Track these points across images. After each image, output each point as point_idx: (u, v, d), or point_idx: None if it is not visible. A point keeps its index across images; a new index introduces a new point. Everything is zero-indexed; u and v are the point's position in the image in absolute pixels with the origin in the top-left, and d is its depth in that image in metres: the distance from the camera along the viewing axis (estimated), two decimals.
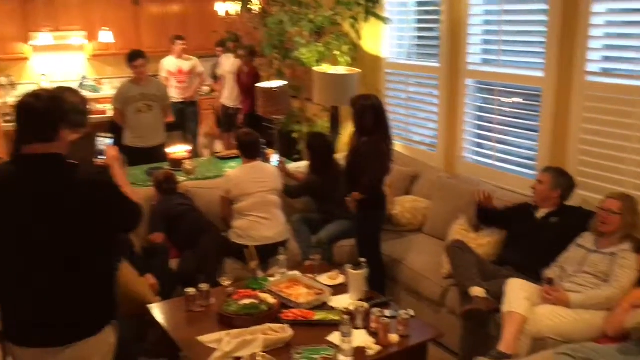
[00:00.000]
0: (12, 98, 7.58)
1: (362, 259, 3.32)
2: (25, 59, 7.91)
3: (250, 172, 4.01)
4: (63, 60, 8.12)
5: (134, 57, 5.32)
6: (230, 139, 6.98)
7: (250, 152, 4.07)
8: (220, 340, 2.79)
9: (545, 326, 2.91)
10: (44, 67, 8.01)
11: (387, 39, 5.20)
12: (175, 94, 7.12)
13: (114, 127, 5.35)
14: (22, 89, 7.91)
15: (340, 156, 4.78)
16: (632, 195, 3.19)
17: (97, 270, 2.16)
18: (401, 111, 5.15)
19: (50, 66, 8.02)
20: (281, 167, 4.47)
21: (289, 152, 5.74)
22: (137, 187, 4.39)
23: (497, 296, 3.10)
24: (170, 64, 7.12)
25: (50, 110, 2.05)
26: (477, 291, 3.15)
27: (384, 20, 5.02)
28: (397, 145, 4.77)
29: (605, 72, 3.53)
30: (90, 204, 2.05)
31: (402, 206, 4.31)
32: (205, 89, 8.03)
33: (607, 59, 3.57)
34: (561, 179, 3.47)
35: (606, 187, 3.39)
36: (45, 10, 7.69)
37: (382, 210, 3.92)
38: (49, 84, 7.86)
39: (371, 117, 3.71)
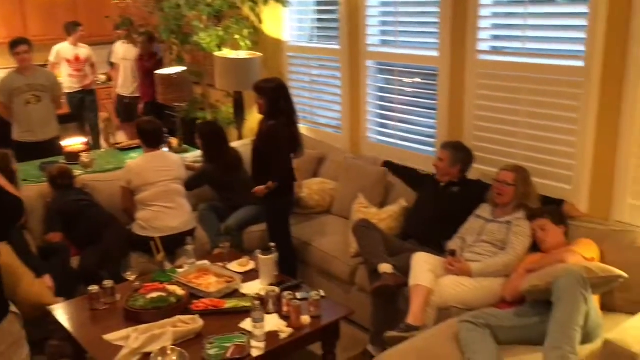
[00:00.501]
0: None
1: (272, 244, 3.32)
2: None
3: (152, 161, 3.89)
4: None
5: (16, 43, 4.99)
6: (130, 128, 6.72)
7: (151, 140, 3.93)
8: (128, 337, 2.70)
9: (449, 296, 3.03)
10: None
11: (287, 22, 5.17)
12: (71, 83, 6.77)
13: (1, 122, 5.02)
14: None
15: (247, 142, 4.75)
16: (524, 166, 3.37)
17: None
18: (305, 94, 5.16)
19: None
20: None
21: (192, 140, 5.61)
22: (30, 183, 4.14)
23: (403, 271, 3.19)
24: (66, 51, 6.75)
25: None
26: (385, 267, 3.23)
27: (283, 3, 4.99)
28: (303, 128, 4.75)
29: (495, 51, 3.70)
30: None
31: (309, 188, 4.34)
32: (102, 77, 7.68)
33: (496, 37, 3.73)
34: (459, 154, 3.62)
35: (500, 160, 3.56)
36: None
37: (291, 194, 3.92)
38: None
39: (275, 100, 3.69)
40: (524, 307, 2.71)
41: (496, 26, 3.72)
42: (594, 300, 2.61)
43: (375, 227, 3.51)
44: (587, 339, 2.50)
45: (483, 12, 3.65)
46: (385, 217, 3.77)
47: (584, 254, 2.80)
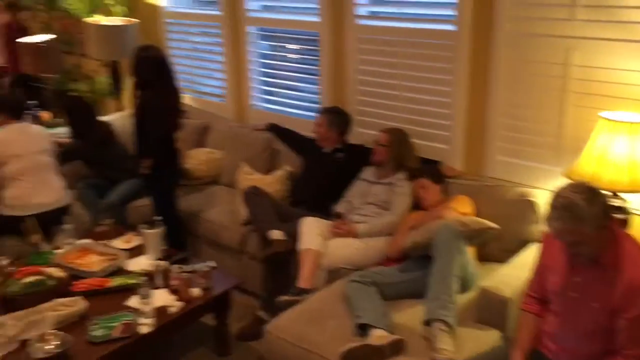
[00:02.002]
0: None
1: (157, 217, 3.20)
2: None
3: (16, 133, 3.59)
4: None
5: None
6: None
7: (13, 112, 3.62)
8: (3, 325, 2.51)
9: (337, 257, 3.09)
10: None
11: None
12: None
13: None
14: None
15: (125, 114, 4.52)
16: (405, 128, 3.47)
17: None
18: (187, 62, 4.98)
19: None
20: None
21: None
22: None
23: (294, 236, 3.21)
24: None
25: None
26: (276, 234, 3.23)
27: None
28: (186, 98, 4.62)
29: (373, 15, 3.74)
30: None
31: (195, 159, 4.22)
32: None
33: (373, 2, 3.77)
34: (335, 118, 3.68)
35: (383, 124, 3.64)
36: None
37: (175, 166, 3.78)
38: None
39: (150, 69, 3.50)
40: (407, 263, 2.82)
41: None
42: (470, 251, 2.77)
43: (265, 194, 3.50)
44: (464, 288, 2.66)
45: None
46: (271, 181, 3.77)
47: (460, 209, 2.96)
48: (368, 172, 3.49)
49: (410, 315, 2.58)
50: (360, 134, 3.80)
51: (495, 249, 2.99)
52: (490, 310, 2.52)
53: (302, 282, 3.02)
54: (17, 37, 5.17)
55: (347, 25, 3.77)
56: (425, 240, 2.69)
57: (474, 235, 2.74)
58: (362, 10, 3.73)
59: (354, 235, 3.19)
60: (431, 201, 3.15)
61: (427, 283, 2.55)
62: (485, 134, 3.30)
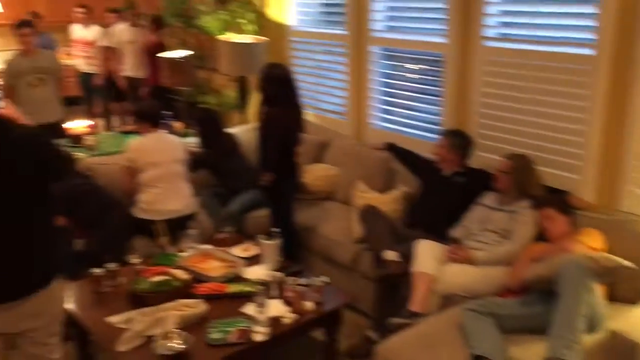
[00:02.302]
0: None
1: (275, 229, 3.29)
2: None
3: (155, 142, 3.84)
4: None
5: (20, 25, 4.94)
6: (124, 109, 6.75)
7: (151, 121, 3.88)
8: (131, 320, 2.68)
9: (452, 284, 3.01)
10: None
11: (292, 6, 5.10)
12: (80, 65, 6.74)
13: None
14: None
15: (249, 127, 4.70)
16: (528, 155, 3.32)
17: (42, 221, 2.20)
18: (310, 79, 5.11)
19: None
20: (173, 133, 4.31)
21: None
22: None
23: (408, 258, 3.16)
24: (75, 32, 6.73)
25: None
26: (390, 255, 3.20)
27: None
28: (308, 114, 4.72)
29: (503, 37, 3.64)
30: (33, 157, 2.11)
31: (313, 174, 4.30)
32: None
33: (504, 24, 3.67)
34: (457, 140, 3.59)
35: (507, 149, 3.51)
36: None
37: (295, 180, 3.88)
38: None
39: (277, 86, 3.63)
40: (528, 297, 2.68)
41: (505, 12, 3.66)
42: (599, 290, 2.58)
43: (381, 214, 3.48)
44: (590, 328, 2.48)
45: None
46: (387, 200, 3.75)
47: (589, 244, 2.77)
48: (488, 198, 3.37)
49: (529, 351, 2.44)
50: (482, 158, 3.69)
51: (627, 289, 2.76)
52: (618, 355, 2.34)
53: (415, 305, 2.96)
54: (158, 52, 5.57)
55: (474, 47, 3.69)
56: (550, 275, 2.54)
57: (604, 273, 2.55)
58: (492, 32, 3.64)
59: (471, 262, 3.08)
60: (557, 233, 2.97)
61: (550, 320, 2.41)
62: (620, 165, 3.08)
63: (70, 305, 2.88)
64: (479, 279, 3.00)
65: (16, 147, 2.09)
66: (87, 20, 6.72)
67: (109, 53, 6.76)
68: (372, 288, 3.33)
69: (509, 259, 3.04)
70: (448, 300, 2.97)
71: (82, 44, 6.76)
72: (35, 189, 2.15)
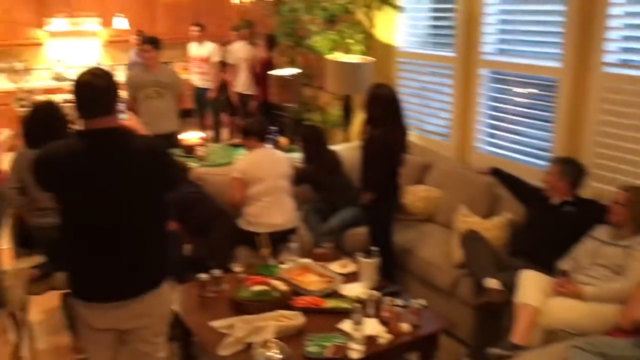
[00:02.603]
0: (26, 83, 7.58)
1: (374, 248, 3.28)
2: (40, 44, 7.89)
3: (262, 157, 3.97)
4: (78, 46, 8.10)
5: (142, 42, 5.31)
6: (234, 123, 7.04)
7: (259, 137, 4.02)
8: (233, 326, 2.77)
9: (557, 319, 2.86)
10: (59, 53, 7.99)
11: (400, 27, 5.12)
12: (195, 80, 7.14)
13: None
14: (37, 74, 7.92)
15: (352, 146, 4.75)
16: None
17: (157, 226, 2.36)
18: (414, 100, 5.08)
19: (65, 51, 8.01)
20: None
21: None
22: None
23: (510, 287, 3.05)
24: (191, 49, 7.16)
25: (110, 86, 2.22)
26: (492, 283, 3.10)
27: (398, 8, 4.95)
28: (411, 135, 4.70)
29: (624, 64, 3.45)
30: (152, 165, 2.27)
31: (414, 195, 4.26)
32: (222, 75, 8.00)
33: (625, 50, 3.48)
34: (569, 168, 3.42)
35: (624, 180, 3.32)
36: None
37: (395, 200, 3.87)
38: (63, 69, 7.86)
39: (382, 106, 3.65)
40: None
41: (626, 38, 3.47)
42: None
43: (484, 240, 3.39)
44: None
45: (612, 22, 3.42)
46: (490, 226, 3.63)
47: None
48: (601, 231, 3.18)
49: None
50: (595, 188, 3.50)
51: None
52: None
53: (516, 337, 2.84)
54: (269, 70, 5.78)
55: (592, 73, 3.52)
56: None
57: None
58: (612, 58, 3.46)
59: (580, 297, 2.91)
60: None
61: None
62: None
63: (176, 307, 3.03)
64: (588, 316, 2.83)
65: (136, 156, 2.24)
66: (202, 38, 7.10)
67: (226, 69, 7.10)
68: (471, 315, 3.24)
69: (621, 297, 2.84)
70: (552, 336, 2.82)
71: (197, 60, 7.14)
72: (152, 195, 2.29)
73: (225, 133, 7.63)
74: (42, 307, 3.85)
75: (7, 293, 3.29)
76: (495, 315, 3.07)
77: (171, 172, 2.44)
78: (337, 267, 3.48)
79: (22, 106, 6.47)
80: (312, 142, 4.37)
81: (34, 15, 7.65)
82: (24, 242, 3.60)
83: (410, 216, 4.24)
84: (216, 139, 7.19)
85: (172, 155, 2.49)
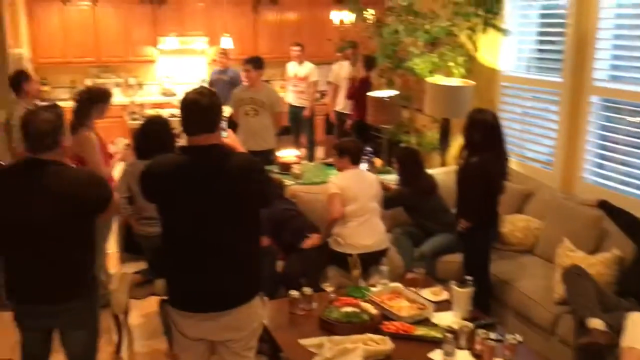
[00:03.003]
0: (138, 97, 8.08)
1: (468, 277, 3.19)
2: (152, 61, 8.40)
3: (354, 178, 3.98)
4: (185, 64, 8.53)
5: (245, 61, 5.50)
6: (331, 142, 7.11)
7: (353, 158, 4.04)
8: (322, 346, 2.77)
9: None
10: (168, 70, 8.46)
11: (505, 51, 5.00)
12: (291, 99, 7.33)
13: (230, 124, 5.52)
14: (148, 90, 8.43)
15: (448, 170, 4.66)
16: None
17: (250, 241, 2.42)
18: (516, 126, 4.93)
19: (174, 69, 8.47)
20: (372, 171, 4.40)
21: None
22: None
23: (616, 329, 2.86)
24: (289, 68, 7.36)
25: (213, 105, 2.32)
26: (596, 323, 2.92)
27: (503, 31, 4.83)
28: (511, 162, 4.55)
29: None
30: (248, 181, 2.33)
31: (513, 225, 4.11)
32: (317, 95, 8.15)
33: None
34: None
35: None
36: (173, 16, 8.15)
37: (494, 228, 3.75)
38: (172, 85, 8.31)
39: (482, 132, 3.56)
40: None
41: None
42: None
43: (589, 277, 3.20)
44: None
45: None
46: (595, 263, 3.42)
47: None
48: None
49: None
50: None
51: None
52: None
53: None
54: (367, 91, 5.83)
55: None
56: None
57: None
58: None
59: None
60: None
61: None
62: None
63: (266, 322, 3.08)
64: None
65: (233, 172, 2.31)
66: (301, 58, 7.27)
67: (329, 88, 7.23)
68: (571, 356, 3.06)
69: None
70: None
71: (295, 79, 7.33)
72: (246, 211, 2.35)
73: (320, 151, 7.74)
74: (143, 311, 4.05)
75: (112, 295, 3.49)
76: (598, 358, 2.87)
77: (266, 188, 2.50)
78: (429, 294, 3.40)
79: (134, 119, 6.92)
80: (409, 164, 4.33)
81: (149, 34, 8.18)
82: (130, 247, 3.82)
83: (508, 246, 4.09)
84: (311, 157, 7.32)
85: (267, 172, 2.55)
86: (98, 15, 7.93)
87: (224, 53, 7.37)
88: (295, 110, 7.30)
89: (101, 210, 2.56)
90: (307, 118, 7.38)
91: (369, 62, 6.23)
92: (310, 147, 7.45)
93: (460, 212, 3.66)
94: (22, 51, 6.48)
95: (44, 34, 7.78)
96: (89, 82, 7.69)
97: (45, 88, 7.92)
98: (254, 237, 2.47)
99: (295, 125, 7.36)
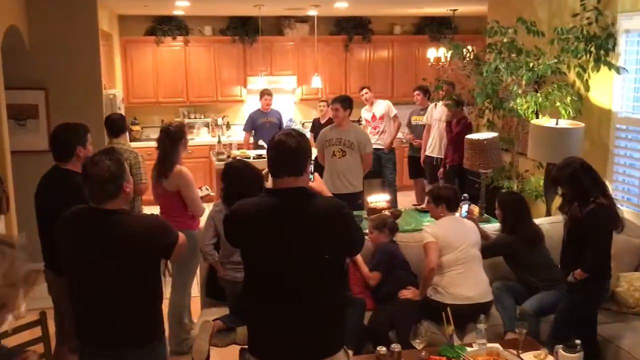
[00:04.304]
0: (226, 137, 8.44)
1: (576, 340, 3.04)
2: (241, 101, 8.79)
3: (452, 225, 3.95)
4: (274, 103, 8.84)
5: (333, 101, 5.65)
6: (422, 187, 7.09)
7: (452, 206, 4.03)
8: None
9: None
10: (255, 108, 8.79)
11: (619, 90, 4.83)
12: (372, 141, 7.42)
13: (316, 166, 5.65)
14: (235, 130, 8.79)
15: (554, 220, 4.51)
16: None
17: (336, 290, 2.44)
18: (634, 173, 4.71)
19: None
20: (470, 219, 4.31)
21: (493, 209, 5.54)
22: None
23: None
24: (364, 113, 7.65)
25: (300, 148, 2.39)
26: None
27: (617, 69, 4.69)
28: (627, 212, 4.35)
29: None
30: (334, 227, 2.36)
31: (629, 284, 3.90)
32: (403, 136, 8.18)
33: None
34: None
35: None
36: (263, 56, 8.52)
37: (605, 288, 3.58)
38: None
39: (591, 180, 3.52)
40: None
41: None
42: None
43: None
44: None
45: None
46: None
47: None
48: None
49: None
50: None
51: None
52: None
53: None
54: (463, 133, 5.79)
55: None
56: None
57: None
58: None
59: None
60: None
61: None
62: None
63: None
64: None
65: (321, 216, 2.36)
66: (372, 99, 7.44)
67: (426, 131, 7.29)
68: None
69: None
70: None
71: (373, 121, 7.46)
72: (333, 258, 2.38)
73: (402, 196, 7.72)
74: (223, 359, 4.14)
75: (193, 342, 3.62)
76: None
77: (353, 235, 2.50)
78: (532, 358, 3.27)
79: (220, 160, 7.22)
80: (513, 209, 4.22)
81: (239, 74, 8.60)
82: (214, 293, 3.96)
83: (623, 308, 3.89)
84: (394, 202, 7.23)
85: (355, 219, 2.56)
86: (189, 55, 8.45)
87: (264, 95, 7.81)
88: (378, 154, 7.32)
89: (166, 256, 2.67)
90: (387, 152, 7.42)
91: (459, 103, 6.22)
92: (392, 190, 7.38)
93: (567, 267, 3.53)
94: (116, 92, 6.99)
95: (137, 75, 8.37)
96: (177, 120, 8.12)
97: (136, 127, 8.48)
98: (339, 285, 2.49)
99: (380, 168, 7.39)
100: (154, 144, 4.61)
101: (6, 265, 1.72)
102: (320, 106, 7.98)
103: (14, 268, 1.74)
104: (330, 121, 7.74)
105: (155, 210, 4.08)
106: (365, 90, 7.52)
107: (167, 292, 3.77)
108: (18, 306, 3.73)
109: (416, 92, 7.47)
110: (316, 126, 7.79)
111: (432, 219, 4.22)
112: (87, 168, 2.56)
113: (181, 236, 2.75)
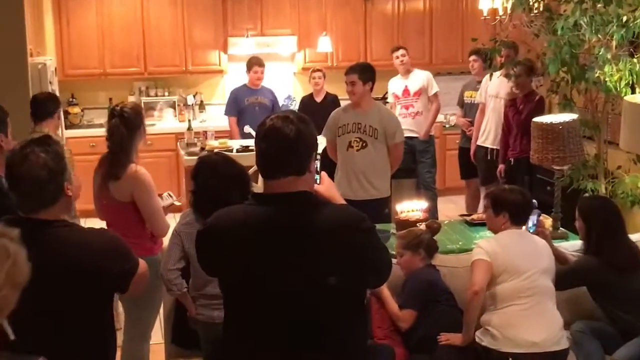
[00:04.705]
0: (199, 122, 8.40)
1: None
2: (220, 71, 8.75)
3: (516, 242, 3.94)
4: (266, 75, 8.76)
5: (347, 71, 5.55)
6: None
7: (519, 216, 4.01)
8: None
9: None
10: (241, 84, 8.74)
11: None
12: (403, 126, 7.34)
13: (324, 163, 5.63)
14: (212, 112, 8.75)
15: None
16: None
17: (357, 333, 2.44)
18: None
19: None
20: (540, 235, 4.29)
21: (573, 220, 5.51)
22: None
23: None
24: (394, 84, 7.45)
25: (301, 138, 2.35)
26: None
27: None
28: None
29: None
30: (347, 246, 2.33)
31: None
32: (445, 119, 8.14)
33: None
34: None
35: None
36: (251, 9, 8.44)
37: None
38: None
39: None
40: None
41: None
42: None
43: None
44: None
45: None
46: None
47: None
48: None
49: None
50: None
51: None
52: None
53: None
54: (525, 114, 5.76)
55: None
56: None
57: None
58: None
59: None
60: None
61: None
62: None
63: None
64: None
65: (331, 233, 2.33)
66: (408, 66, 7.38)
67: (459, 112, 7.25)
68: None
69: None
70: None
71: (405, 98, 7.34)
72: (351, 291, 2.38)
73: (446, 202, 7.71)
74: None
75: None
76: None
77: (376, 258, 2.47)
78: None
79: (191, 154, 7.17)
80: (600, 222, 4.22)
81: (215, 35, 8.55)
82: (182, 339, 3.94)
83: None
84: (434, 211, 7.13)
85: (377, 236, 2.52)
86: (147, 9, 8.41)
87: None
88: (412, 144, 7.22)
89: (121, 289, 2.67)
90: (424, 141, 7.37)
91: (529, 72, 6.17)
92: (431, 195, 7.32)
93: None
94: (46, 60, 6.98)
95: (76, 37, 8.34)
96: (132, 100, 8.07)
97: (74, 109, 8.45)
98: (358, 328, 2.47)
99: (413, 164, 7.31)
100: (99, 132, 4.59)
101: (9, 263, 1.82)
102: (314, 78, 7.89)
103: (18, 266, 1.84)
104: (327, 99, 7.69)
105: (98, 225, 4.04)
106: (401, 52, 7.43)
107: (119, 338, 3.74)
108: None
109: (472, 58, 7.40)
110: (308, 106, 7.74)
111: (489, 232, 4.20)
112: (16, 165, 2.53)
113: (142, 263, 2.73)
